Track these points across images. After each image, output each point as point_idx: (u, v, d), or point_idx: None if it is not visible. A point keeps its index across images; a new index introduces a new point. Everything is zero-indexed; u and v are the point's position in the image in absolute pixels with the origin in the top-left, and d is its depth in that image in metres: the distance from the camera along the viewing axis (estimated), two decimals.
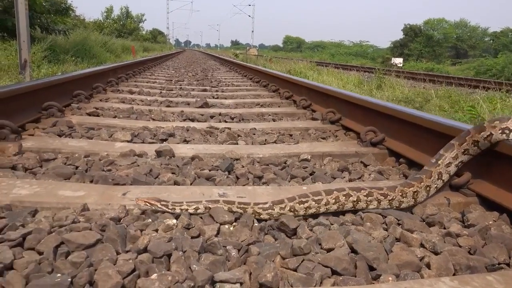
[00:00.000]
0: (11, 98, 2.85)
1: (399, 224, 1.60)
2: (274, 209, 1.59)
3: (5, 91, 2.79)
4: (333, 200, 1.64)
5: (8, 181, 1.83)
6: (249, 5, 64.94)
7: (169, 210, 1.59)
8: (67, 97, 3.98)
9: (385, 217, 1.65)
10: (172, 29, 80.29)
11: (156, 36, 76.39)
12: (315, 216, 1.65)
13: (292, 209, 1.60)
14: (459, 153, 1.84)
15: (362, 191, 1.68)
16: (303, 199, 1.62)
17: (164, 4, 70.10)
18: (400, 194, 1.72)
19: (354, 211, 1.71)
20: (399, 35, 78.03)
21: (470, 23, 67.03)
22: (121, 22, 51.00)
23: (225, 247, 1.35)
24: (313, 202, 1.62)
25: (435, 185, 1.82)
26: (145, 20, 58.63)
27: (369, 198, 1.68)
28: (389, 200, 1.71)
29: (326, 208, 1.65)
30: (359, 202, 1.68)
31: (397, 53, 54.50)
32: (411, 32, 58.83)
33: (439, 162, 1.83)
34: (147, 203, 1.58)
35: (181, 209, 1.59)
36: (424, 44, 57.05)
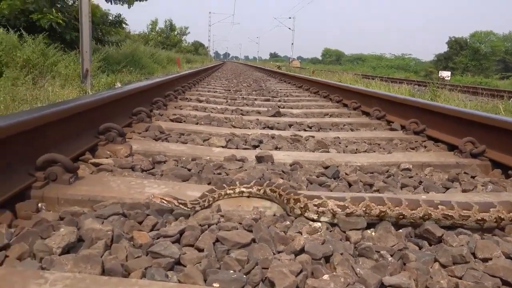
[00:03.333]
0: (110, 104, 2.98)
1: None
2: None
3: (103, 97, 2.91)
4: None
5: (136, 180, 1.89)
6: (289, 17, 65.28)
7: (188, 209, 1.57)
8: (147, 104, 4.10)
9: None
10: (212, 41, 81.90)
11: (198, 48, 78.16)
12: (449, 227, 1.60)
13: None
14: None
15: None
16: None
17: (206, 17, 71.74)
18: None
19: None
20: (443, 48, 76.01)
21: None
22: (165, 35, 52.52)
23: (379, 252, 1.33)
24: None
25: None
26: (189, 33, 60.11)
27: None
28: None
29: None
30: None
31: (441, 66, 53.08)
32: (456, 45, 57.24)
33: None
34: (163, 200, 1.53)
35: (200, 206, 1.60)
36: (470, 58, 55.30)
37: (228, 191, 1.74)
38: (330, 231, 1.49)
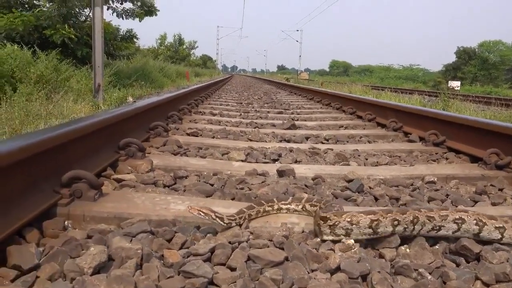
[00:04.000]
0: (128, 119, 2.97)
1: None
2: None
3: (122, 112, 2.91)
4: None
5: (160, 196, 1.87)
6: (297, 30, 65.69)
7: (224, 224, 1.53)
8: (163, 118, 4.11)
9: None
10: (220, 54, 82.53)
11: (206, 61, 78.81)
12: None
13: None
14: None
15: None
16: None
17: (214, 31, 72.44)
18: None
19: None
20: (451, 58, 75.76)
21: None
22: (174, 49, 53.07)
23: (417, 270, 1.29)
24: None
25: None
26: (197, 47, 60.68)
27: None
28: None
29: None
30: None
31: (449, 76, 52.84)
32: (464, 55, 56.96)
33: None
34: (200, 212, 1.50)
35: (236, 223, 1.56)
36: (479, 67, 54.97)
37: (267, 208, 1.70)
38: (365, 248, 1.45)
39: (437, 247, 1.46)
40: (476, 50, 57.85)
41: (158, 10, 16.16)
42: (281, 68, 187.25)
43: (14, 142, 1.55)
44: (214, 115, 5.47)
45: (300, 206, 1.71)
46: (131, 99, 10.57)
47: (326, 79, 41.46)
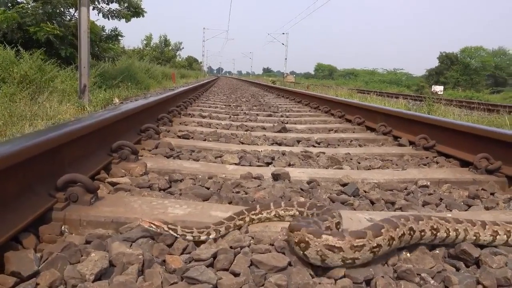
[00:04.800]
0: (120, 121, 2.93)
1: None
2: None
3: (114, 114, 2.86)
4: None
5: (157, 200, 1.85)
6: (283, 33, 66.01)
7: (178, 236, 1.43)
8: (153, 120, 4.07)
9: None
10: (206, 56, 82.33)
11: (192, 63, 78.47)
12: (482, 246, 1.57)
13: None
14: None
15: None
16: None
17: (200, 33, 72.27)
18: None
19: None
20: (434, 63, 76.96)
21: (510, 51, 65.52)
22: (160, 50, 52.71)
23: (419, 274, 1.29)
24: None
25: None
26: (183, 48, 60.38)
27: None
28: None
29: None
30: None
31: (432, 81, 53.70)
32: (447, 60, 58.00)
33: None
34: (152, 225, 1.42)
35: (193, 236, 1.45)
36: (461, 72, 56.01)
37: (238, 222, 1.59)
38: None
39: (437, 251, 1.47)
40: (458, 55, 58.97)
41: (146, 12, 16.03)
42: (267, 71, 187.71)
43: (9, 145, 1.51)
44: (204, 117, 5.44)
45: (273, 214, 1.68)
46: (117, 101, 10.45)
47: (312, 82, 41.68)
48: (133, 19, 16.39)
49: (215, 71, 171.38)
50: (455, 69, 56.59)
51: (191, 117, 5.37)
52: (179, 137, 3.66)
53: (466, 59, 58.80)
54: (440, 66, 58.89)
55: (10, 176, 1.43)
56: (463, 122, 3.26)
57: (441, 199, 2.20)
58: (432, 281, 1.27)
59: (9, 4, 14.22)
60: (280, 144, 3.67)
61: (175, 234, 1.43)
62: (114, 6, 15.65)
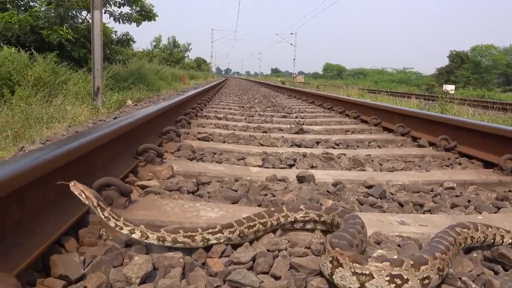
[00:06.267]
0: (143, 124, 2.96)
1: None
2: None
3: (138, 118, 2.88)
4: None
5: (188, 203, 1.86)
6: (291, 33, 65.99)
7: (103, 217, 1.35)
8: (172, 123, 4.10)
9: None
10: (215, 57, 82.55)
11: (200, 64, 78.79)
12: None
13: None
14: None
15: None
16: None
17: (209, 34, 72.49)
18: None
19: None
20: (444, 62, 76.27)
21: None
22: (169, 51, 52.97)
23: (460, 278, 1.29)
24: None
25: None
26: (191, 49, 60.65)
27: None
28: None
29: None
30: None
31: (442, 79, 53.34)
32: (457, 58, 57.60)
33: None
34: (82, 193, 1.35)
35: (117, 223, 1.35)
36: (472, 71, 55.57)
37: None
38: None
39: (475, 254, 1.47)
40: (469, 54, 58.51)
41: (157, 16, 16.12)
42: (275, 71, 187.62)
43: (46, 150, 1.54)
44: (220, 119, 5.47)
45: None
46: (130, 102, 10.52)
47: (321, 82, 41.58)
48: (143, 23, 16.50)
49: (223, 72, 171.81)
50: (466, 67, 56.18)
51: (207, 118, 5.40)
52: (198, 139, 3.68)
53: (476, 57, 58.33)
54: (450, 64, 58.51)
55: (49, 181, 1.45)
56: (486, 123, 3.24)
57: (469, 201, 2.18)
58: (473, 285, 1.26)
59: (22, 8, 14.42)
60: (299, 146, 3.68)
61: (100, 214, 1.36)
62: (126, 9, 15.77)
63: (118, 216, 1.37)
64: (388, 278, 1.12)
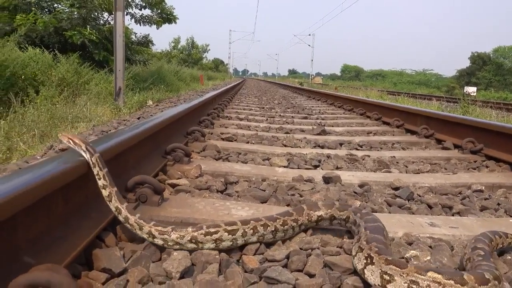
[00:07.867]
0: (170, 124, 3.01)
1: None
2: None
3: (166, 118, 2.94)
4: None
5: (218, 202, 1.90)
6: (309, 34, 65.80)
7: (90, 162, 1.41)
8: (196, 123, 4.15)
9: None
10: (232, 58, 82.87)
11: (218, 65, 79.22)
12: None
13: None
14: None
15: None
16: None
17: (226, 35, 72.91)
18: None
19: None
20: (465, 63, 74.98)
21: None
22: (187, 52, 53.44)
23: None
24: None
25: None
26: (209, 50, 61.05)
27: None
28: None
29: None
30: None
31: (463, 81, 52.39)
32: (479, 60, 56.46)
33: None
34: (70, 141, 1.43)
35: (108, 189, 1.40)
36: (494, 73, 54.42)
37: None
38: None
39: (509, 257, 1.46)
40: (491, 55, 57.33)
41: (178, 18, 16.27)
42: (292, 72, 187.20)
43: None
44: (241, 119, 5.51)
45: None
46: (151, 103, 10.66)
47: (339, 84, 41.37)
48: (163, 25, 16.68)
49: (240, 73, 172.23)
50: (488, 69, 55.05)
51: (228, 119, 5.44)
52: (222, 139, 3.72)
53: (499, 59, 57.12)
54: (471, 66, 57.38)
55: (91, 178, 1.50)
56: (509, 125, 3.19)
57: (498, 204, 2.17)
58: (507, 286, 1.26)
59: (46, 10, 14.74)
60: (322, 147, 3.68)
61: (88, 159, 1.41)
62: (147, 12, 15.97)
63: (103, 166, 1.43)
64: None
